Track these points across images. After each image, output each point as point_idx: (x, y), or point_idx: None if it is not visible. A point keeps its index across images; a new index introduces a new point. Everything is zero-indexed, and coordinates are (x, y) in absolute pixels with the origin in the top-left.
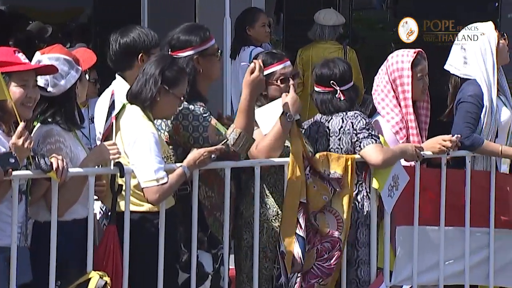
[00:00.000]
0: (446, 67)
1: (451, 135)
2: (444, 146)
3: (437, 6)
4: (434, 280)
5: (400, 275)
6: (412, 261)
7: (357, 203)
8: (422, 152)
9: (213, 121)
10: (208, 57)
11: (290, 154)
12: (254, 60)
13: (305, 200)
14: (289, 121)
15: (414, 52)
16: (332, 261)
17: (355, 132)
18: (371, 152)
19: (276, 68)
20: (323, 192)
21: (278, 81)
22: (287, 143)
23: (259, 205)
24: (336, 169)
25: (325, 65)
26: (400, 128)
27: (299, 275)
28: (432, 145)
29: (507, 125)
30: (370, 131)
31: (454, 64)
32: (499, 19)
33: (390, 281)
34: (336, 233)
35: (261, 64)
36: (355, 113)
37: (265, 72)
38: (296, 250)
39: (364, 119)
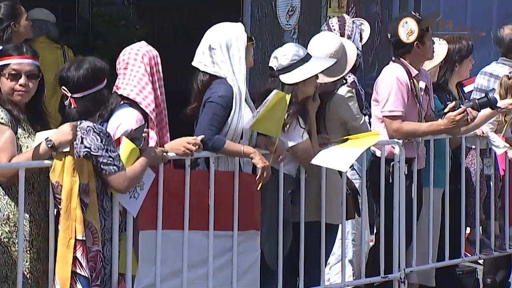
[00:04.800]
0: (194, 63)
1: (195, 137)
2: (188, 149)
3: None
4: (177, 285)
5: (142, 282)
6: (155, 266)
7: (103, 211)
8: (166, 154)
9: None
10: None
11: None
12: None
13: (84, 238)
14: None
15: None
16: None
17: (88, 150)
18: (115, 183)
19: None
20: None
21: None
22: None
23: None
24: (83, 178)
25: (68, 67)
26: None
27: None
28: (177, 147)
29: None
30: (109, 154)
31: (203, 61)
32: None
33: None
34: (94, 248)
35: None
36: (88, 126)
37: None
38: None
39: (99, 134)
